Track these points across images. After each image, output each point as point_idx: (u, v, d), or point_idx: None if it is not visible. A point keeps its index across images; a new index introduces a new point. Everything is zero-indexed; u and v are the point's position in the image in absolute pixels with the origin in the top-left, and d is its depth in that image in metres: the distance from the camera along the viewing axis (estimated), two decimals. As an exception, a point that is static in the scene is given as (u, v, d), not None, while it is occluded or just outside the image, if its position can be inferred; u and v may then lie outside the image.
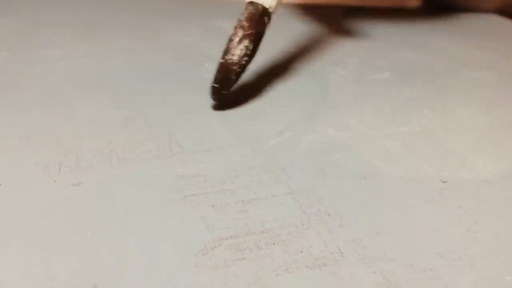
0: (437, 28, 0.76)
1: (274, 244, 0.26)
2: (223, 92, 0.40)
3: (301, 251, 0.26)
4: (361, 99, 0.46)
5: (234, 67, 0.39)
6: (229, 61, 0.39)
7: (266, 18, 0.41)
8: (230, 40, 0.39)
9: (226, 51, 0.39)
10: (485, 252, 0.27)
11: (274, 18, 0.41)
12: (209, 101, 0.41)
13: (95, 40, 0.55)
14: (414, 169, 0.34)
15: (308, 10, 0.79)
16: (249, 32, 0.39)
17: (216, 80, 0.39)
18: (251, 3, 0.41)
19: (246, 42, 0.39)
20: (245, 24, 0.39)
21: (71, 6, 0.68)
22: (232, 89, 0.41)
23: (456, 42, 0.69)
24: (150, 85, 0.45)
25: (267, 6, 0.41)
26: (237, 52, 0.39)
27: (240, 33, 0.39)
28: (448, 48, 0.65)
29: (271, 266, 0.24)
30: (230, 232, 0.27)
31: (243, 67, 0.40)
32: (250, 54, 0.40)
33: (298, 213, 0.28)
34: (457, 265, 0.26)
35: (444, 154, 0.37)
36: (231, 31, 0.40)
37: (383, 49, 0.62)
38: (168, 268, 0.24)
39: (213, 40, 0.59)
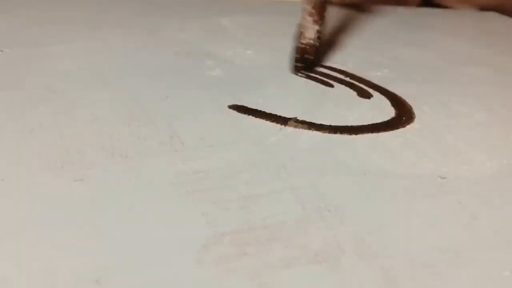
0: (437, 25, 0.76)
1: (274, 239, 0.26)
2: (302, 70, 0.49)
3: (302, 247, 0.26)
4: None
5: (310, 49, 0.48)
6: (306, 44, 0.48)
7: (327, 3, 0.49)
8: (301, 26, 0.47)
9: (300, 36, 0.47)
10: (484, 247, 0.27)
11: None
12: (211, 98, 0.42)
13: (97, 37, 0.56)
14: (413, 165, 0.34)
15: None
16: (317, 17, 0.47)
17: (297, 60, 0.49)
18: None
19: (316, 27, 0.47)
20: (313, 11, 0.47)
21: (73, 4, 0.69)
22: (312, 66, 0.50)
23: (455, 39, 0.69)
24: (152, 81, 0.45)
25: None
26: (312, 35, 0.47)
27: (310, 19, 0.47)
28: (447, 45, 0.65)
29: (271, 261, 0.25)
30: (231, 227, 0.27)
31: (317, 48, 0.49)
32: (321, 37, 0.48)
33: (298, 209, 0.29)
34: (457, 261, 0.26)
35: (443, 150, 0.37)
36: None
37: (382, 47, 0.62)
38: (169, 263, 0.24)
39: (213, 37, 0.59)
